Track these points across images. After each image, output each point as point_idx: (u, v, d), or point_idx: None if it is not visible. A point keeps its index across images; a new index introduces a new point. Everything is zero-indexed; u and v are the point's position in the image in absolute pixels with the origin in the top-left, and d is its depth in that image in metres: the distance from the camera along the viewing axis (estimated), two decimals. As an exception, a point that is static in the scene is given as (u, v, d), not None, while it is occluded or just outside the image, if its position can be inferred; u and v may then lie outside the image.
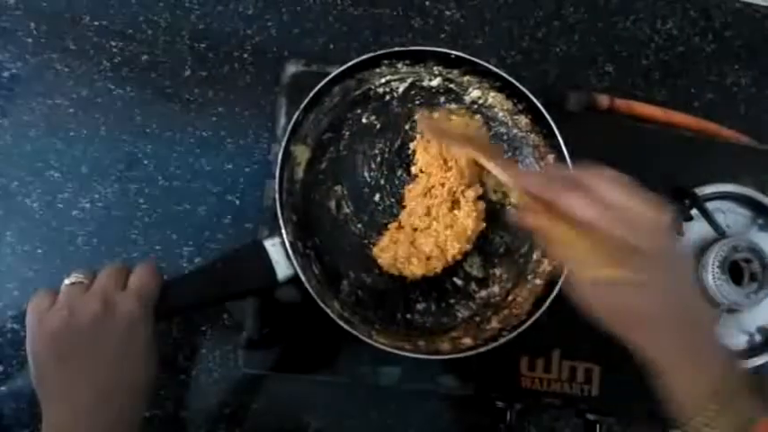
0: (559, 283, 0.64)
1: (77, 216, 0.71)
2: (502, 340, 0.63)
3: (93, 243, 0.71)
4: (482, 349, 0.62)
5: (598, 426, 0.71)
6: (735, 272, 0.73)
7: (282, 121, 0.72)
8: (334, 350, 0.68)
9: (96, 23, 0.76)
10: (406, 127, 0.71)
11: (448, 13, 0.83)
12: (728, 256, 0.72)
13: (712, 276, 0.72)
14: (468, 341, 0.65)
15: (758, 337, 0.76)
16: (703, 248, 0.75)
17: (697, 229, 0.76)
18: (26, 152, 0.72)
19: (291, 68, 0.73)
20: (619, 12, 0.87)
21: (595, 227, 0.46)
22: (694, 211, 0.75)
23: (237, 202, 0.74)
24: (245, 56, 0.77)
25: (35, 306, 0.53)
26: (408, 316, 0.68)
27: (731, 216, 0.78)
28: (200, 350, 0.71)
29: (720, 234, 0.75)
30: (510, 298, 0.69)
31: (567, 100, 0.78)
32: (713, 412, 0.47)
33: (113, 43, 0.75)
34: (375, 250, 0.67)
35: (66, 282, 0.54)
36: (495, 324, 0.67)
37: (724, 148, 0.81)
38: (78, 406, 0.51)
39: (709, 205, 0.76)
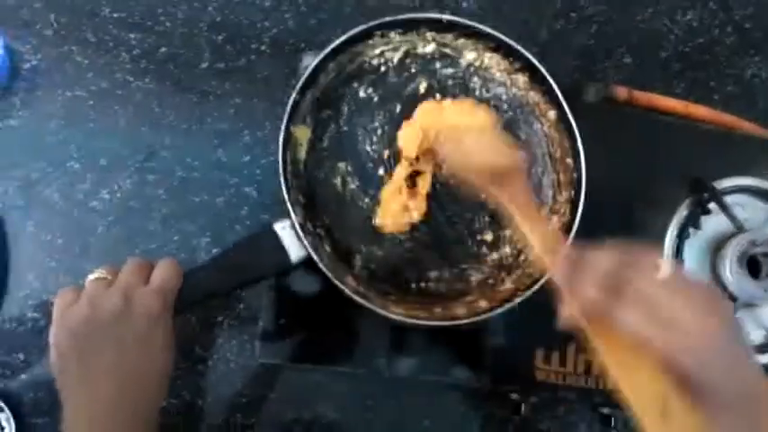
0: (571, 235, 0.63)
1: (97, 207, 0.72)
2: (517, 300, 0.62)
3: (112, 234, 0.72)
4: (499, 311, 0.62)
5: (613, 419, 0.71)
6: (752, 266, 0.72)
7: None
8: (349, 341, 0.68)
9: (115, 15, 0.76)
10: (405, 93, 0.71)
11: (465, 5, 0.83)
12: (746, 250, 0.72)
13: (730, 270, 0.72)
14: (483, 304, 0.65)
15: (776, 332, 0.76)
16: (721, 242, 0.74)
17: (715, 222, 0.75)
18: (46, 143, 0.73)
19: (309, 60, 0.73)
20: (637, 3, 0.87)
21: (652, 348, 0.43)
22: (713, 205, 0.74)
23: (255, 193, 0.74)
24: (263, 48, 0.78)
25: (60, 301, 0.54)
26: (422, 284, 0.67)
27: (750, 210, 0.77)
28: (218, 341, 0.71)
29: (738, 228, 0.74)
30: (522, 258, 0.68)
31: (586, 92, 0.77)
32: None
33: (132, 35, 0.76)
34: (377, 222, 0.67)
35: (90, 278, 0.55)
36: (509, 285, 0.67)
37: (743, 142, 0.81)
38: (96, 399, 0.52)
39: (728, 199, 0.75)
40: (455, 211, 0.68)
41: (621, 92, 0.79)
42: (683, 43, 0.86)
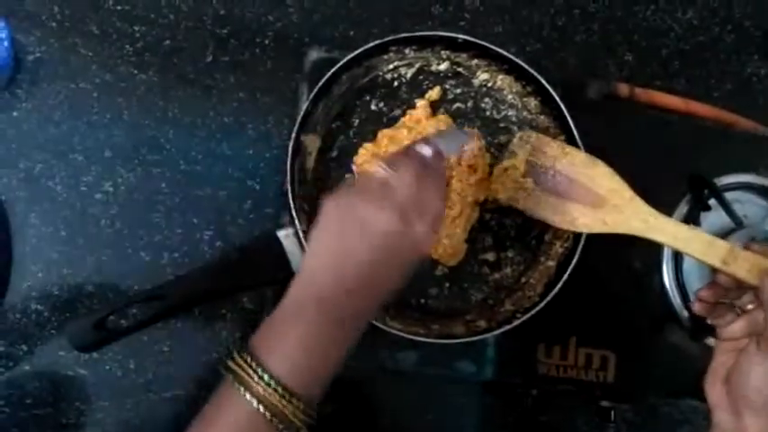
0: (572, 265, 0.64)
1: (100, 199, 0.72)
2: (516, 322, 0.63)
3: (115, 226, 0.72)
4: (496, 332, 0.63)
5: (612, 412, 0.72)
6: (752, 263, 0.73)
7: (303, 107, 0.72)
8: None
9: (119, 8, 0.76)
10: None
11: (468, 0, 0.83)
12: (746, 246, 0.72)
13: (729, 266, 0.72)
14: (482, 324, 0.66)
15: (773, 328, 0.76)
16: (721, 239, 0.75)
17: (714, 219, 0.76)
18: (50, 136, 0.73)
19: (313, 55, 0.73)
20: (639, 1, 0.87)
21: None
22: (712, 201, 0.75)
23: (258, 187, 0.75)
24: (267, 42, 0.78)
25: (376, 184, 0.50)
26: (422, 301, 0.68)
27: (749, 207, 0.78)
28: (221, 333, 0.72)
29: (738, 224, 0.75)
30: (523, 280, 0.69)
31: (587, 88, 0.78)
32: None
33: (136, 28, 0.76)
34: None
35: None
36: (508, 306, 0.68)
37: (743, 139, 0.81)
38: (328, 277, 0.50)
39: (728, 195, 0.76)
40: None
41: (623, 89, 0.79)
42: (683, 41, 0.87)
